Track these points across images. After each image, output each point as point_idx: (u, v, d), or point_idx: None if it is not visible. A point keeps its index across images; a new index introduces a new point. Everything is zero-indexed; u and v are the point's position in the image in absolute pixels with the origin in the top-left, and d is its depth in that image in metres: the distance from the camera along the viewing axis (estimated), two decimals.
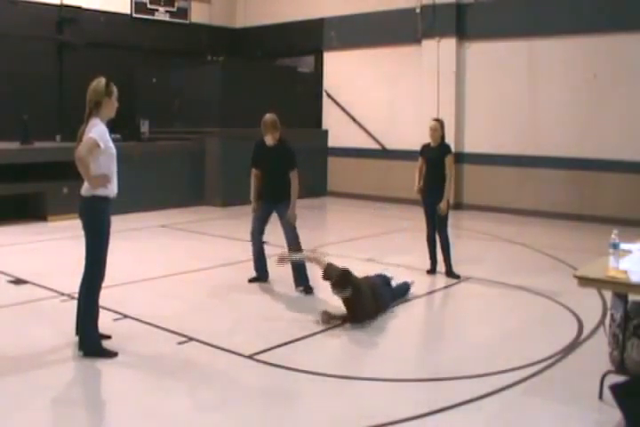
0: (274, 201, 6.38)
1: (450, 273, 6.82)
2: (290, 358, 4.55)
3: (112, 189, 4.51)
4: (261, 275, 6.62)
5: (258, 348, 4.66)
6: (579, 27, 10.50)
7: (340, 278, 5.22)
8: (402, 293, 6.05)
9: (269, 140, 6.30)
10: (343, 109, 13.62)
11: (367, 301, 5.34)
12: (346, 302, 5.31)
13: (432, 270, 6.98)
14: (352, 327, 5.23)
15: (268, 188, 6.42)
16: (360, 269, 6.22)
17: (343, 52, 13.60)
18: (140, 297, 6.00)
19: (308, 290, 6.23)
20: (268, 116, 6.31)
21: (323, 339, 5.01)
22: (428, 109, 11.64)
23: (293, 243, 6.35)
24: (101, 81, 4.47)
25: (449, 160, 6.76)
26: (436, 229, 6.85)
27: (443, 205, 6.68)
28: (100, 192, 4.43)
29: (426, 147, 6.97)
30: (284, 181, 6.30)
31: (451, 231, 6.95)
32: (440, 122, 6.91)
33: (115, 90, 4.50)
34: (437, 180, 6.75)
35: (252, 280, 6.58)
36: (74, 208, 4.66)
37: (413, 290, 6.18)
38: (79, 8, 12.58)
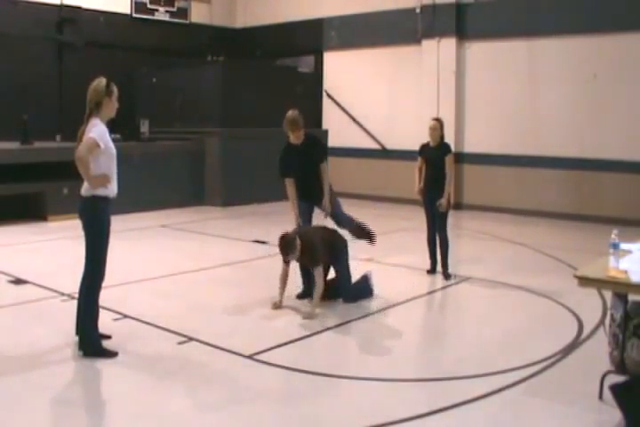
0: (311, 201, 6.16)
1: (444, 273, 6.81)
2: (290, 358, 4.54)
3: (112, 189, 4.51)
4: (307, 288, 5.88)
5: (258, 348, 4.66)
6: (579, 27, 10.50)
7: (283, 245, 5.44)
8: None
9: (293, 139, 6.03)
10: (343, 109, 13.61)
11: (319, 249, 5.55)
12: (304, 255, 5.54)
13: (432, 270, 6.97)
14: (351, 327, 5.24)
15: (304, 190, 6.09)
16: (360, 269, 6.25)
17: (343, 52, 13.61)
18: (140, 297, 6.00)
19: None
20: (289, 114, 5.94)
21: (322, 339, 5.00)
22: (427, 109, 11.63)
23: None
24: (102, 81, 4.47)
25: (449, 160, 6.74)
26: (437, 229, 6.85)
27: (444, 200, 6.64)
28: (100, 192, 4.43)
29: (425, 147, 6.95)
30: (319, 179, 6.04)
31: (451, 231, 6.94)
32: (440, 121, 6.89)
33: (115, 90, 4.50)
34: (437, 179, 6.72)
35: (300, 296, 5.94)
36: (74, 208, 4.66)
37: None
38: (79, 8, 12.57)
